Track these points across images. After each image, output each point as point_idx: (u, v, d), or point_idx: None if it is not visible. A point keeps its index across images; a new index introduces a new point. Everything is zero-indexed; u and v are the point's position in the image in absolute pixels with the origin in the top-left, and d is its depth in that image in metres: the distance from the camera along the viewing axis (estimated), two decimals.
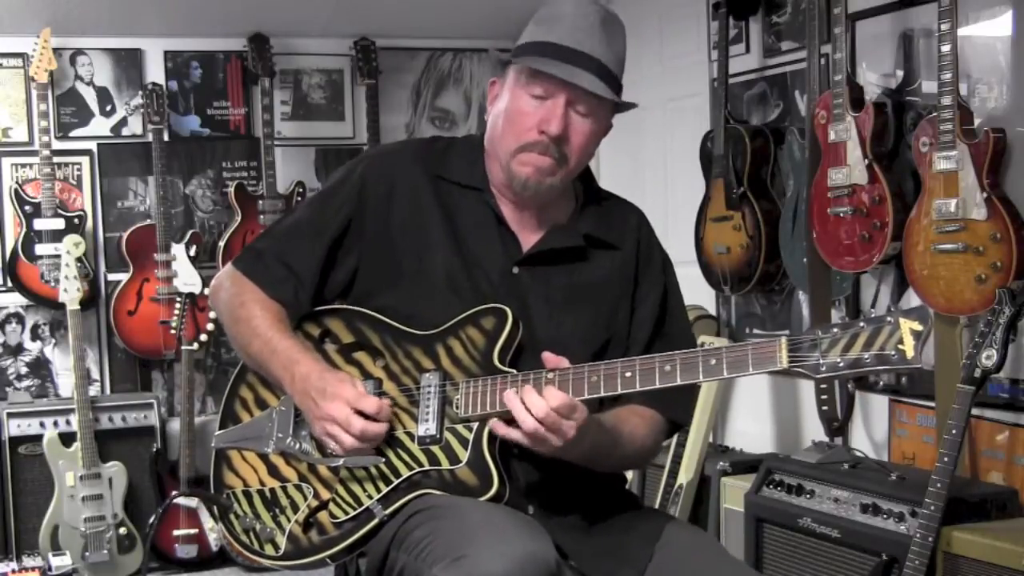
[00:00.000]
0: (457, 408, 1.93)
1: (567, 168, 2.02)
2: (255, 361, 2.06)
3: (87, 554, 4.30)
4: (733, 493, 3.56)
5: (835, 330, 1.71)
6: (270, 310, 2.05)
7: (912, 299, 3.34)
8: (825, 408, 3.57)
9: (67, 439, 4.35)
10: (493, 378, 1.92)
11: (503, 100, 2.04)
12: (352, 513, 1.95)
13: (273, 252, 2.10)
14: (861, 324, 1.70)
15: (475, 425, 1.91)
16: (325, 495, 1.99)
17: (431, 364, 1.98)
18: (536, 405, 1.81)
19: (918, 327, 1.65)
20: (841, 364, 1.69)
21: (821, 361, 1.70)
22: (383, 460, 1.94)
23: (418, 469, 1.93)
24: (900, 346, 1.65)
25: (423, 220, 2.06)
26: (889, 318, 1.68)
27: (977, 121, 3.01)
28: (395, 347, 2.02)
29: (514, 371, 1.92)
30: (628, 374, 1.83)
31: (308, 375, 1.96)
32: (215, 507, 2.08)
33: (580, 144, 2.01)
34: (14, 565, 4.17)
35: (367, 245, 2.07)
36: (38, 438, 4.36)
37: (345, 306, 2.09)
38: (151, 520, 4.43)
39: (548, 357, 1.89)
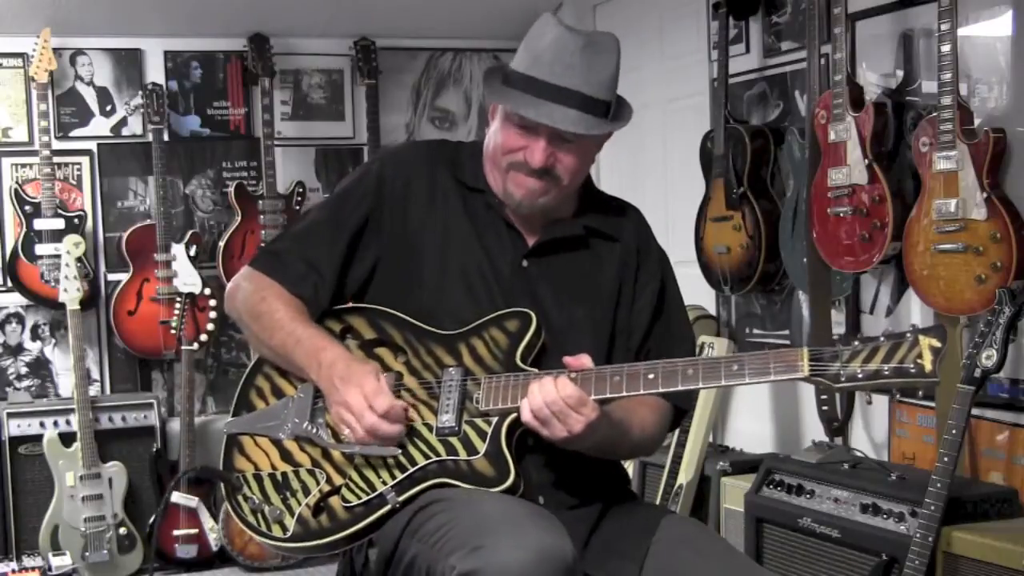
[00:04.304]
0: (477, 403, 1.96)
1: (559, 187, 2.06)
2: (277, 353, 2.08)
3: (87, 554, 4.31)
4: (733, 493, 3.56)
5: (856, 343, 1.80)
6: (291, 304, 2.08)
7: (912, 299, 3.34)
8: (825, 408, 3.57)
9: (67, 439, 4.35)
10: (516, 375, 1.96)
11: (495, 121, 2.08)
12: (365, 498, 1.96)
13: (292, 251, 2.13)
14: (881, 339, 1.79)
15: (494, 419, 1.95)
16: (338, 480, 2.00)
17: (453, 361, 2.02)
18: (547, 390, 1.87)
19: (937, 344, 1.75)
20: (860, 375, 1.78)
21: (841, 371, 1.78)
22: (399, 451, 1.96)
23: (435, 458, 1.95)
24: (919, 360, 1.75)
25: (438, 218, 2.11)
26: (908, 334, 1.78)
27: (977, 121, 3.01)
28: (417, 344, 2.05)
29: (536, 370, 1.97)
30: (651, 376, 1.89)
31: (334, 362, 1.99)
32: (224, 485, 2.08)
33: (569, 168, 2.04)
34: (14, 565, 4.17)
35: (385, 242, 2.11)
36: (38, 438, 4.36)
37: (367, 305, 2.12)
38: (152, 519, 4.43)
39: (569, 361, 1.94)
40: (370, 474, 1.97)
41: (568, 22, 2.06)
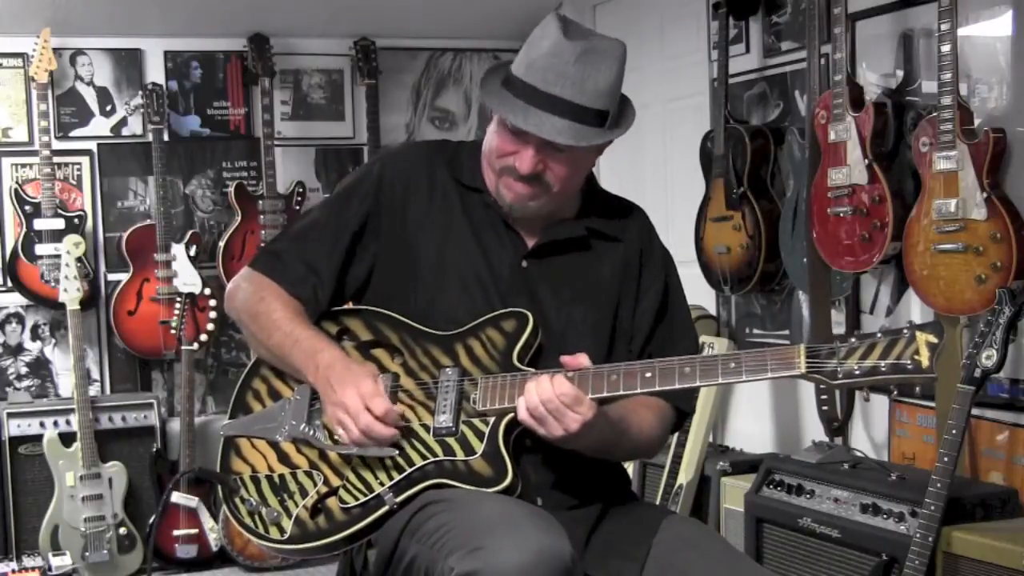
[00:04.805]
0: (474, 403, 1.97)
1: (550, 194, 2.05)
2: (274, 354, 2.08)
3: (87, 554, 4.31)
4: (733, 493, 3.56)
5: (852, 340, 1.80)
6: (290, 305, 2.08)
7: (912, 299, 3.34)
8: (825, 408, 3.57)
9: (67, 439, 4.35)
10: (513, 375, 1.96)
11: (492, 122, 2.08)
12: (362, 499, 1.96)
13: (292, 252, 2.13)
14: (878, 335, 1.79)
15: (491, 419, 1.95)
16: (335, 482, 2.00)
17: (450, 362, 2.02)
18: (543, 388, 1.87)
19: (933, 340, 1.76)
20: (857, 371, 1.78)
21: (838, 368, 1.79)
22: (396, 452, 1.96)
23: (432, 459, 1.95)
24: (916, 356, 1.76)
25: (437, 218, 2.11)
26: (905, 330, 1.78)
27: (977, 121, 3.01)
28: (414, 345, 2.05)
29: (533, 369, 1.97)
30: (648, 374, 1.89)
31: (332, 364, 1.99)
32: (221, 488, 2.08)
33: (560, 175, 2.03)
34: (14, 565, 4.17)
35: (383, 243, 2.11)
36: (38, 438, 4.36)
37: (363, 307, 2.12)
38: (152, 519, 4.43)
39: (567, 360, 1.94)
40: (368, 475, 1.97)
41: (575, 23, 2.03)
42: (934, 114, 3.00)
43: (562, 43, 1.97)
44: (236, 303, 2.15)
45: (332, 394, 1.97)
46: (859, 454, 3.32)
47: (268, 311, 2.07)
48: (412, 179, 2.12)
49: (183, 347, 4.51)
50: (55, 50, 4.52)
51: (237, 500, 2.05)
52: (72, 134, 4.69)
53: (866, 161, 3.25)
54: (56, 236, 4.46)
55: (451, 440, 1.95)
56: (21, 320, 4.64)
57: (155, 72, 4.78)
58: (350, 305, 2.16)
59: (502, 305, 2.05)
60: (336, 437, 2.00)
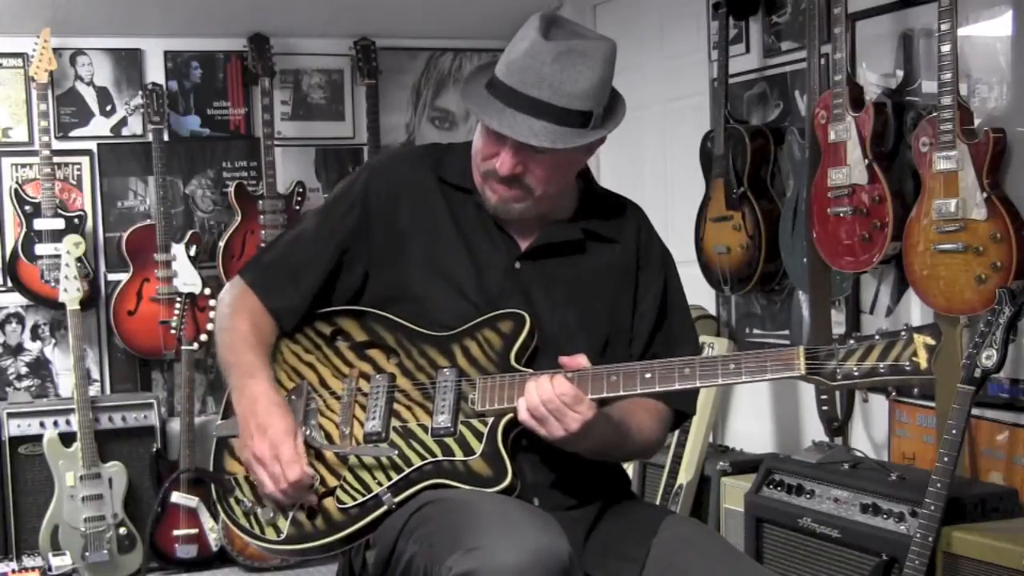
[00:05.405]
0: (472, 404, 1.96)
1: (534, 196, 2.03)
2: (222, 367, 2.12)
3: (87, 554, 4.31)
4: (733, 493, 3.57)
5: (851, 342, 1.83)
6: (257, 323, 2.10)
7: (912, 299, 3.34)
8: (825, 408, 3.57)
9: (67, 439, 4.35)
10: (511, 376, 1.96)
11: (479, 124, 2.06)
12: (360, 500, 1.95)
13: (276, 262, 2.14)
14: (876, 337, 1.82)
15: (490, 420, 1.95)
16: (332, 482, 2.00)
17: (447, 362, 2.02)
18: (543, 388, 1.87)
19: (931, 342, 1.78)
20: (856, 372, 1.81)
21: (838, 369, 1.81)
22: (395, 452, 1.96)
23: (430, 459, 1.95)
24: (914, 358, 1.79)
25: (429, 221, 2.10)
26: (903, 332, 1.80)
27: (977, 121, 3.01)
28: (409, 346, 2.05)
29: (530, 370, 1.96)
30: (648, 375, 1.90)
31: (257, 398, 2.00)
32: (215, 487, 2.07)
33: (540, 179, 2.01)
34: (14, 565, 4.17)
35: (374, 250, 2.10)
36: (38, 438, 4.36)
37: (358, 307, 2.11)
38: (151, 518, 4.43)
39: (565, 361, 1.94)
40: (365, 475, 1.97)
41: (563, 23, 2.00)
42: (934, 114, 3.00)
43: (540, 44, 1.94)
44: (218, 310, 2.18)
45: (250, 441, 1.98)
46: (859, 454, 3.32)
47: (233, 326, 2.09)
48: (400, 184, 2.11)
49: (183, 347, 4.51)
50: (55, 50, 4.52)
51: (232, 500, 2.05)
52: (72, 134, 4.69)
53: (866, 161, 3.25)
54: (56, 236, 4.46)
55: (450, 440, 1.95)
56: (21, 320, 4.64)
57: (155, 72, 4.78)
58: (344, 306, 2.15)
59: (494, 307, 2.04)
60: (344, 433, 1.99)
